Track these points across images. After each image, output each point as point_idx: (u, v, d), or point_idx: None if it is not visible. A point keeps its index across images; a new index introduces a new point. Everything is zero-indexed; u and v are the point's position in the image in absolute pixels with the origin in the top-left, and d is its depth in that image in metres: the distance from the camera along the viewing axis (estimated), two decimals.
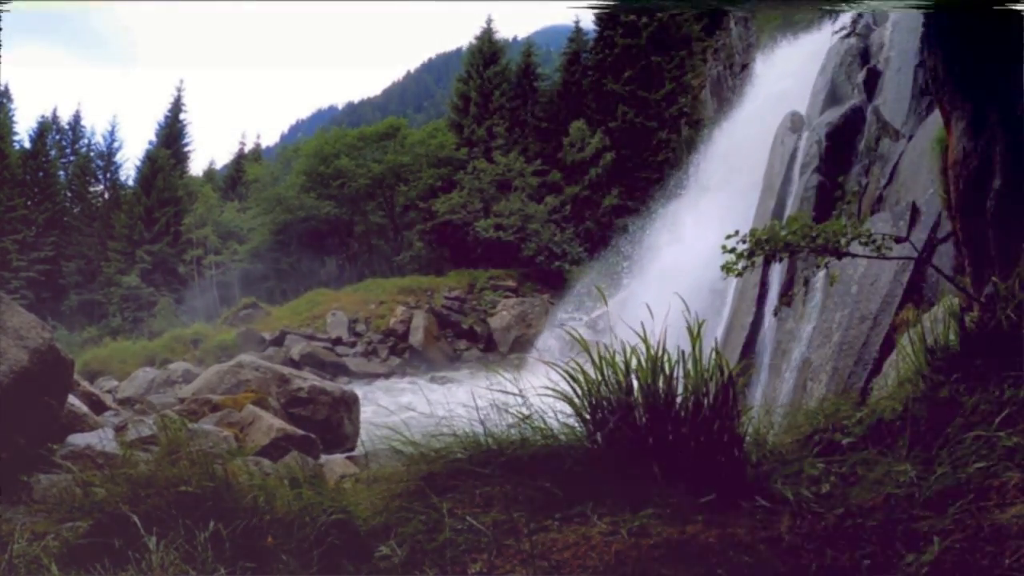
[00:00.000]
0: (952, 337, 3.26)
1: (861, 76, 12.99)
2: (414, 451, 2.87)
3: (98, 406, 7.45)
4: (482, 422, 2.89)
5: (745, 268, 4.38)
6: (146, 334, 30.12)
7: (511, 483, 2.62)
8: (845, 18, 14.85)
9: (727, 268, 4.36)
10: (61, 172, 45.09)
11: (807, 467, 2.67)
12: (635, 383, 2.78)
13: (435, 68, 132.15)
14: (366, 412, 12.39)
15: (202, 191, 38.96)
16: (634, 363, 2.79)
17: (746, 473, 2.65)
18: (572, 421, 2.87)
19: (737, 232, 4.36)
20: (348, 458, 8.78)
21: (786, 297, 10.55)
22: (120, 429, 6.07)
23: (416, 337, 25.31)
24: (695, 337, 2.88)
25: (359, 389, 16.54)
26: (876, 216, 9.36)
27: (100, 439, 4.94)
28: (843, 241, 4.11)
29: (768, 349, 10.82)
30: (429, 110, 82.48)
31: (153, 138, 45.38)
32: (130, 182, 44.93)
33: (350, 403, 11.77)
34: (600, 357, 2.82)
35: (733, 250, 4.30)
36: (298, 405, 11.06)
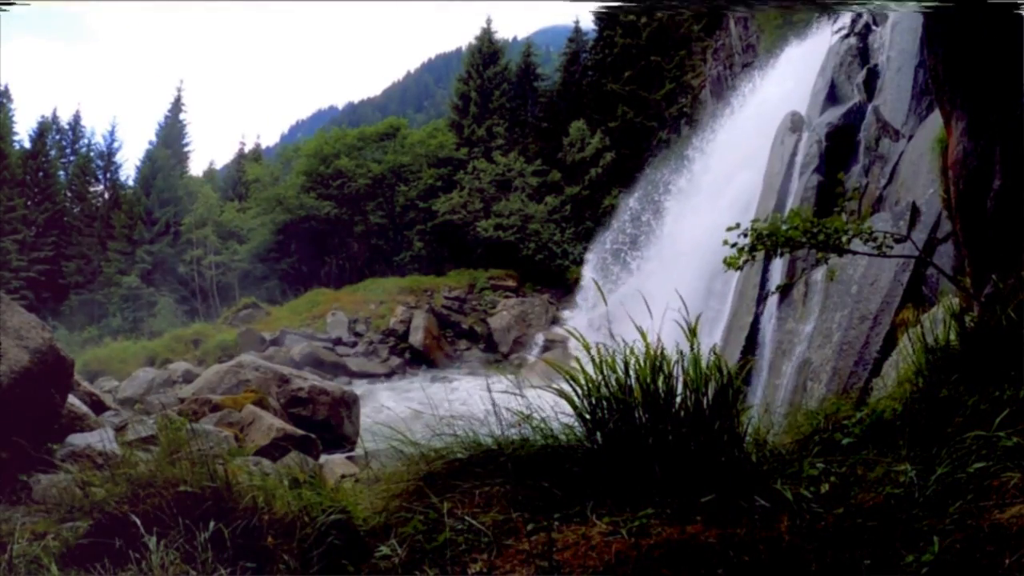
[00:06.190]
0: (952, 337, 3.26)
1: (861, 76, 12.98)
2: (414, 451, 2.87)
3: (98, 406, 7.44)
4: (484, 421, 2.89)
5: (746, 263, 4.36)
6: (146, 334, 30.10)
7: (511, 483, 2.61)
8: (845, 18, 14.84)
9: (729, 262, 4.34)
10: (61, 172, 45.04)
11: (807, 467, 2.67)
12: (635, 383, 2.77)
13: (435, 68, 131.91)
14: (366, 411, 12.41)
15: (202, 191, 38.97)
16: (633, 363, 2.78)
17: (746, 473, 2.65)
18: (572, 421, 2.87)
19: (738, 225, 4.33)
20: (348, 458, 8.78)
21: (784, 289, 10.52)
22: (120, 429, 6.07)
23: (416, 337, 25.29)
24: (692, 334, 2.88)
25: (359, 389, 16.56)
26: (876, 216, 9.35)
27: (100, 439, 4.94)
28: (844, 239, 4.10)
29: (768, 349, 10.82)
30: (429, 110, 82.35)
31: (153, 138, 45.47)
32: (130, 182, 45.00)
33: (350, 403, 11.77)
34: (600, 357, 2.81)
35: (735, 244, 4.28)
36: (298, 405, 11.06)
